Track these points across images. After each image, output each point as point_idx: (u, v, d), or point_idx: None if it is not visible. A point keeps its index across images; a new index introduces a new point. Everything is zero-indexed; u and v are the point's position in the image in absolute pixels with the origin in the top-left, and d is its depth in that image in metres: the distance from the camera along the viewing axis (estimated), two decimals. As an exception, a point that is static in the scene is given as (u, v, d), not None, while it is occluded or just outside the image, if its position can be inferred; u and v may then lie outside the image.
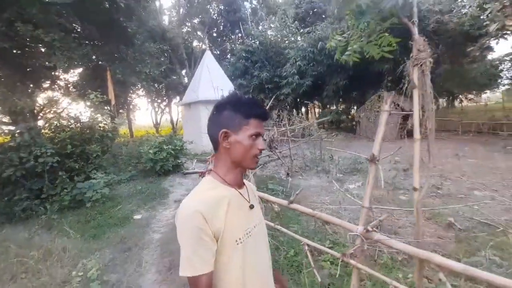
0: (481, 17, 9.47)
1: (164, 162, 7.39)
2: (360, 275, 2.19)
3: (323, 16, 17.72)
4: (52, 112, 8.89)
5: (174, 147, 7.63)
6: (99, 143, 7.38)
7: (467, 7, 11.92)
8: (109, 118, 8.59)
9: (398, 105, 13.74)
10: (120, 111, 27.55)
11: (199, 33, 29.53)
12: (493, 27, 7.38)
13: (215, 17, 28.50)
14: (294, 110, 22.48)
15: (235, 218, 0.87)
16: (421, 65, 1.93)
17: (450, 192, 5.21)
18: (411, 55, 1.96)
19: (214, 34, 30.66)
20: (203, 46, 29.04)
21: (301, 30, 17.57)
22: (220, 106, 0.93)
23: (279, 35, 19.17)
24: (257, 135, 0.90)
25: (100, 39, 8.27)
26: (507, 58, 14.44)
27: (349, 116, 18.10)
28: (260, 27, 21.39)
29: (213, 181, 0.92)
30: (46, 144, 6.36)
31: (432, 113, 2.00)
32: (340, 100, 18.76)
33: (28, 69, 7.81)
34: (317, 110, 25.29)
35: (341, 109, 18.36)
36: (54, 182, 6.11)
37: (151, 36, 14.35)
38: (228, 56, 27.17)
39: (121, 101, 22.41)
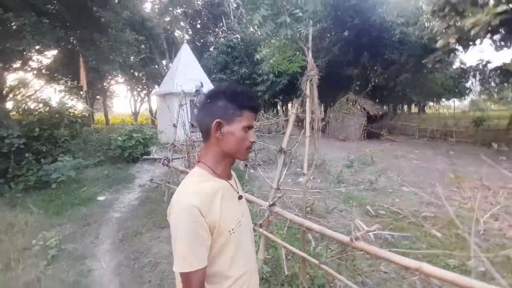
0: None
1: (133, 149, 7.73)
2: (267, 241, 2.78)
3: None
4: (21, 94, 8.85)
5: (143, 136, 7.99)
6: (68, 128, 7.58)
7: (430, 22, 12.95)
8: (81, 104, 8.70)
9: (364, 108, 14.77)
10: (97, 97, 26.98)
11: (182, 23, 29.30)
12: (439, 43, 8.32)
13: (199, 9, 28.38)
14: (273, 108, 23.19)
15: (227, 209, 0.87)
16: (311, 80, 2.54)
17: (382, 187, 6.02)
18: (305, 72, 2.56)
19: (198, 26, 30.54)
20: (186, 37, 28.92)
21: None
22: (214, 96, 0.91)
23: (258, 32, 19.60)
24: (250, 127, 0.90)
25: (73, 25, 8.35)
26: (471, 71, 15.91)
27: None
28: (242, 22, 21.65)
29: (203, 173, 0.90)
30: (13, 126, 6.51)
31: (319, 117, 2.62)
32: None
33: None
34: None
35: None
36: (20, 163, 6.30)
37: (130, 24, 14.30)
38: (211, 49, 27.25)
39: (97, 87, 22.02)
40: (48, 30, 7.31)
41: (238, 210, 0.94)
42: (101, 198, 5.59)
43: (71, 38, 8.96)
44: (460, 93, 17.36)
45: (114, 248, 3.64)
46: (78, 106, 8.48)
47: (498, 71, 10.98)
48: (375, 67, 14.70)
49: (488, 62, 11.94)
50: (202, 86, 6.13)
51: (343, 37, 14.69)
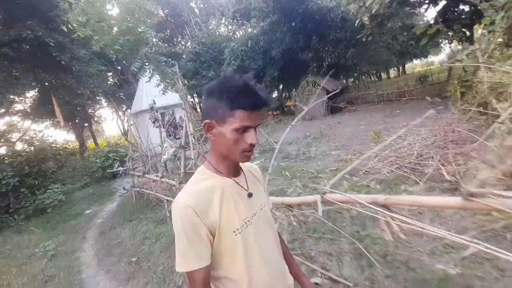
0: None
1: (112, 167, 8.96)
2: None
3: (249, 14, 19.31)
4: (9, 139, 10.06)
5: (119, 155, 9.22)
6: (53, 161, 8.82)
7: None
8: (62, 137, 9.90)
9: (323, 87, 15.95)
10: (85, 124, 28.09)
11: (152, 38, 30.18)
12: (357, 22, 9.48)
13: (163, 21, 29.22)
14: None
15: (230, 208, 0.83)
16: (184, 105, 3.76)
17: (315, 155, 7.28)
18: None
19: (167, 37, 31.40)
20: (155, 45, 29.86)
21: (234, 32, 19.17)
22: (207, 92, 0.83)
23: (218, 35, 20.64)
24: (246, 128, 0.78)
25: (40, 70, 9.51)
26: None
27: (289, 101, 20.27)
28: (202, 29, 22.63)
29: (205, 172, 0.87)
30: (6, 169, 7.74)
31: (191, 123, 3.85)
32: (280, 87, 20.83)
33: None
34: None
35: (282, 96, 20.44)
36: (18, 198, 7.56)
37: (97, 54, 15.38)
38: (181, 58, 28.27)
39: (82, 117, 23.10)
40: (18, 81, 8.47)
41: (246, 209, 0.87)
42: (88, 211, 6.87)
43: (41, 81, 10.14)
44: (414, 54, 18.51)
45: (95, 241, 4.91)
46: (59, 139, 9.72)
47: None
48: (326, 48, 15.81)
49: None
50: (154, 103, 7.28)
51: (292, 27, 15.78)
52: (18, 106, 13.63)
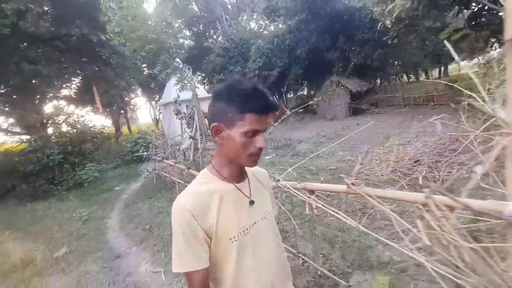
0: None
1: (138, 152, 10.04)
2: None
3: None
4: (56, 121, 11.59)
5: (146, 141, 10.26)
6: (91, 143, 10.07)
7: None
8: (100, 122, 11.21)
9: (347, 87, 15.92)
10: (122, 111, 30.46)
11: (186, 32, 31.65)
12: (379, 25, 9.49)
13: (196, 16, 30.43)
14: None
15: (228, 214, 0.82)
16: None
17: (324, 153, 7.64)
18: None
19: (200, 32, 32.65)
20: (187, 42, 31.28)
21: (262, 29, 19.58)
22: (216, 95, 0.82)
23: (247, 32, 21.20)
24: (255, 132, 0.78)
25: (84, 63, 10.89)
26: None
27: (313, 99, 20.33)
28: (232, 25, 23.32)
29: (207, 175, 0.87)
30: (53, 146, 9.06)
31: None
32: (304, 86, 20.95)
33: (36, 95, 10.63)
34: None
35: (305, 94, 20.57)
36: (61, 172, 8.84)
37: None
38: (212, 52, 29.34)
39: (119, 105, 25.14)
40: (66, 70, 9.82)
41: (246, 216, 0.85)
42: (117, 188, 7.90)
43: (85, 71, 11.54)
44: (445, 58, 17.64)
45: (120, 212, 5.82)
46: (97, 124, 11.02)
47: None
48: (353, 48, 15.70)
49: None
50: (178, 97, 8.07)
51: (318, 26, 15.87)
52: (65, 92, 15.50)
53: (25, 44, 9.02)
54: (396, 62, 15.47)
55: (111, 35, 5.26)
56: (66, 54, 9.74)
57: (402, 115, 12.79)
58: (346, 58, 16.31)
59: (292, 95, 23.33)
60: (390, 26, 9.45)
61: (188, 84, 6.48)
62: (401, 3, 7.79)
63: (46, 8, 8.44)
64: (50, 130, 11.82)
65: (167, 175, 6.02)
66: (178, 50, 7.85)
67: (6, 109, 11.49)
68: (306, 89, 21.22)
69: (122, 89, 12.53)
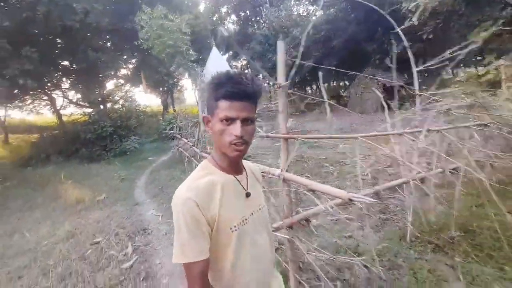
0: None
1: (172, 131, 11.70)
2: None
3: None
4: (111, 99, 13.95)
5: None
6: (137, 120, 12.00)
7: None
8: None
9: (379, 82, 15.59)
10: (169, 92, 33.42)
11: (233, 17, 32.89)
12: (406, 22, 9.39)
13: (240, 2, 31.16)
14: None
15: (230, 204, 0.84)
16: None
17: (325, 145, 8.27)
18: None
19: (247, 16, 33.42)
20: (232, 27, 32.50)
21: (302, 18, 19.68)
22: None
23: (287, 20, 21.46)
24: (229, 119, 0.80)
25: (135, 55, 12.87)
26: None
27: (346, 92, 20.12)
28: (273, 12, 23.66)
29: (208, 166, 0.89)
30: (107, 120, 11.12)
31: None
32: (336, 78, 20.75)
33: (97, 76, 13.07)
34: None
35: (339, 85, 20.43)
36: (111, 141, 10.88)
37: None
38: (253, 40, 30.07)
39: (166, 86, 27.74)
40: (121, 56, 11.78)
41: (244, 207, 0.89)
42: (150, 158, 9.64)
43: (135, 58, 13.56)
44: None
45: (147, 176, 7.38)
46: (142, 103, 12.98)
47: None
48: (391, 40, 15.19)
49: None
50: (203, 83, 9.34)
51: (358, 16, 15.66)
52: (121, 74, 18.13)
53: (90, 34, 11.07)
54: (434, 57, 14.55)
55: (141, 40, 6.57)
56: (120, 44, 11.63)
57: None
58: (384, 51, 15.88)
59: (326, 86, 23.24)
60: (416, 23, 9.30)
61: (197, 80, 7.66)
62: (425, 1, 7.73)
63: (107, 6, 10.22)
64: (107, 106, 14.24)
65: (183, 151, 7.35)
66: (191, 52, 9.09)
67: (76, 86, 14.12)
68: (339, 81, 21.04)
69: (164, 75, 14.25)
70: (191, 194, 0.78)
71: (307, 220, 2.00)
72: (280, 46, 1.88)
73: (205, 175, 0.86)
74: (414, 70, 3.43)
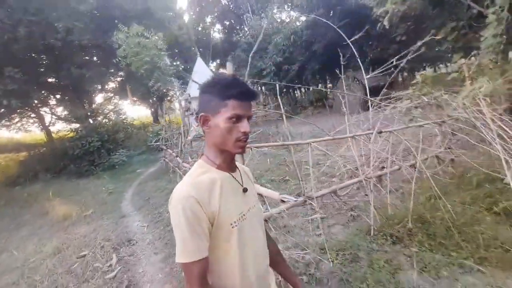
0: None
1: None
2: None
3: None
4: (98, 114, 14.04)
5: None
6: (124, 132, 12.10)
7: None
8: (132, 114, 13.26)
9: (361, 82, 16.11)
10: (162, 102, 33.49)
11: (218, 26, 33.35)
12: (378, 26, 9.86)
13: (224, 11, 31.69)
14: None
15: (229, 201, 0.86)
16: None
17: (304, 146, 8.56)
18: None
19: (232, 25, 33.92)
20: (217, 35, 32.95)
21: (282, 25, 20.21)
22: (202, 89, 0.91)
23: (268, 27, 21.93)
24: (239, 117, 0.84)
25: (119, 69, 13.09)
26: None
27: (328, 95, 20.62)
28: (254, 20, 24.12)
29: (204, 165, 0.90)
30: (94, 135, 11.20)
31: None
32: (320, 81, 21.28)
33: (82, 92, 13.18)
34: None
35: (322, 89, 20.91)
36: (99, 156, 10.95)
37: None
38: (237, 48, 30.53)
39: (155, 97, 27.81)
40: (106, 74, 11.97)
41: (242, 203, 0.91)
42: (138, 170, 9.75)
43: (122, 72, 13.77)
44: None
45: (134, 188, 7.51)
46: (129, 116, 13.09)
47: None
48: (370, 43, 15.78)
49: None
50: (189, 96, 9.53)
51: (335, 22, 16.18)
52: (106, 89, 18.22)
53: (73, 51, 11.23)
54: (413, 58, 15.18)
55: (119, 58, 6.82)
56: (105, 59, 11.82)
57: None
58: (362, 53, 16.43)
59: (309, 90, 23.73)
60: (387, 27, 9.79)
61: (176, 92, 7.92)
62: (392, 7, 8.21)
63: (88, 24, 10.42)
64: (95, 120, 14.27)
65: (169, 162, 7.53)
66: (169, 67, 9.52)
67: (64, 103, 14.16)
68: (323, 84, 21.54)
69: (151, 87, 14.41)
70: (191, 192, 0.79)
71: (266, 220, 2.24)
72: (229, 67, 2.13)
73: (203, 173, 0.87)
74: (365, 77, 3.72)
